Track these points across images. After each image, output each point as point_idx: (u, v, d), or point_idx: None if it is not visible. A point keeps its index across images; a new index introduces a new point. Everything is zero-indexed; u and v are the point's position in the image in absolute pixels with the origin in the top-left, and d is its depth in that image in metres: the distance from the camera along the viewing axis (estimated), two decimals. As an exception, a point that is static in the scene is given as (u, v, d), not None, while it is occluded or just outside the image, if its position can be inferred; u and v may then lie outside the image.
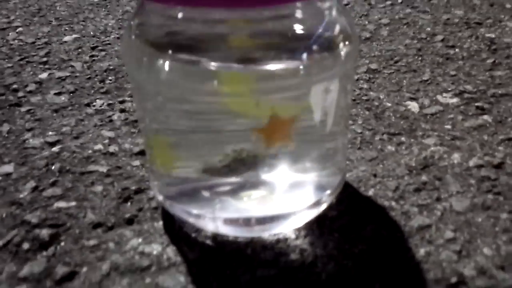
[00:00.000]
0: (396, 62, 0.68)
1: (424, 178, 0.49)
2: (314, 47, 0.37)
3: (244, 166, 0.40)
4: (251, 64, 0.36)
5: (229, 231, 0.43)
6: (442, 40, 0.74)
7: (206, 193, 0.42)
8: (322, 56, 0.37)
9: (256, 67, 0.36)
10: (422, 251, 0.42)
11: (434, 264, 0.41)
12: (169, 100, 0.39)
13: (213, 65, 0.36)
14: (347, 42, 0.39)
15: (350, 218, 0.45)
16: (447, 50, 0.71)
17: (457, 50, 0.71)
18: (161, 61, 0.37)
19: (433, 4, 0.84)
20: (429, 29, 0.77)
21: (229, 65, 0.36)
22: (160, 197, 0.44)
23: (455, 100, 0.60)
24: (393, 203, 0.46)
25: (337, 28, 0.39)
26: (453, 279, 0.40)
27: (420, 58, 0.69)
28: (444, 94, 0.61)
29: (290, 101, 0.38)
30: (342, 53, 0.38)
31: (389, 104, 0.60)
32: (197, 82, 0.37)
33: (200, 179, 0.42)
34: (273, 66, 0.36)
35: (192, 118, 0.39)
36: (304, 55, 0.37)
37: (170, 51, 0.37)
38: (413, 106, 0.59)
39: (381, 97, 0.61)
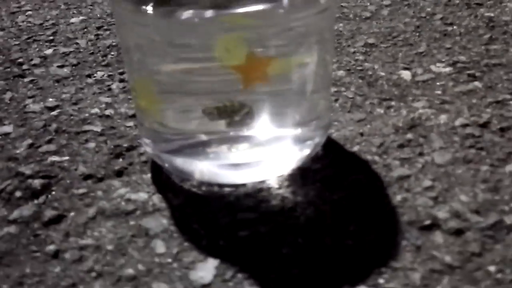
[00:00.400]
0: (394, 37, 0.70)
1: (409, 136, 0.50)
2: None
3: (227, 118, 0.42)
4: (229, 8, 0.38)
5: (218, 176, 0.45)
6: (441, 19, 0.75)
7: (197, 148, 0.44)
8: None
9: (233, 10, 0.38)
10: (398, 197, 0.43)
11: (409, 209, 0.42)
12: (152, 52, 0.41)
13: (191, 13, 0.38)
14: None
15: (333, 170, 0.46)
16: (445, 27, 0.72)
17: (455, 27, 0.72)
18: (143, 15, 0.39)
19: (437, -11, 0.85)
20: (429, 9, 0.78)
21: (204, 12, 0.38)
22: (150, 150, 0.46)
23: (448, 69, 0.61)
24: (376, 157, 0.48)
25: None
26: (427, 222, 0.41)
27: (417, 34, 0.70)
28: (438, 64, 0.62)
29: (267, 40, 0.40)
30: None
31: (383, 74, 0.61)
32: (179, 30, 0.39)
33: (191, 134, 0.44)
34: (252, 8, 0.38)
35: (175, 63, 0.41)
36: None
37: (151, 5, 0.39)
38: (406, 74, 0.60)
39: (376, 67, 0.62)
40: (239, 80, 0.39)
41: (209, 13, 0.38)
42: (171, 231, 0.41)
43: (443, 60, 0.63)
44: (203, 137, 0.43)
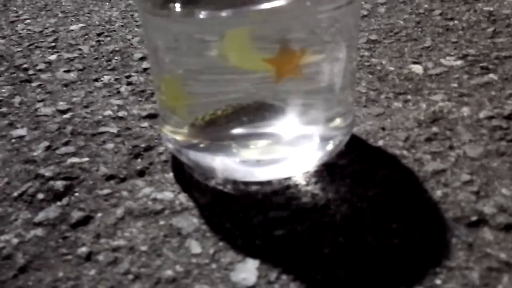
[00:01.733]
0: (396, 33, 0.66)
1: (434, 129, 0.46)
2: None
3: (251, 115, 0.39)
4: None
5: (241, 172, 0.41)
6: (441, 14, 0.72)
7: (220, 143, 0.40)
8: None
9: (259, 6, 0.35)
10: (439, 193, 0.40)
11: (452, 204, 0.38)
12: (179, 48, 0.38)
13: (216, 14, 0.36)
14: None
15: (361, 165, 0.43)
16: (446, 22, 0.69)
17: (456, 22, 0.69)
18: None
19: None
20: (426, 5, 0.75)
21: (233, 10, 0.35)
22: (171, 145, 0.42)
23: (459, 62, 0.58)
24: (405, 152, 0.44)
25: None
26: (474, 218, 0.37)
27: (420, 29, 0.67)
28: (448, 58, 0.59)
29: (298, 33, 0.37)
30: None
31: (392, 68, 0.57)
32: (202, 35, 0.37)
33: (217, 130, 0.40)
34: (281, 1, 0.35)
35: (202, 62, 0.38)
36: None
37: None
38: (417, 68, 0.57)
39: (383, 62, 0.59)
40: (270, 76, 0.37)
41: (237, 10, 0.35)
42: (203, 231, 0.38)
43: (452, 53, 0.59)
44: (228, 133, 0.40)
